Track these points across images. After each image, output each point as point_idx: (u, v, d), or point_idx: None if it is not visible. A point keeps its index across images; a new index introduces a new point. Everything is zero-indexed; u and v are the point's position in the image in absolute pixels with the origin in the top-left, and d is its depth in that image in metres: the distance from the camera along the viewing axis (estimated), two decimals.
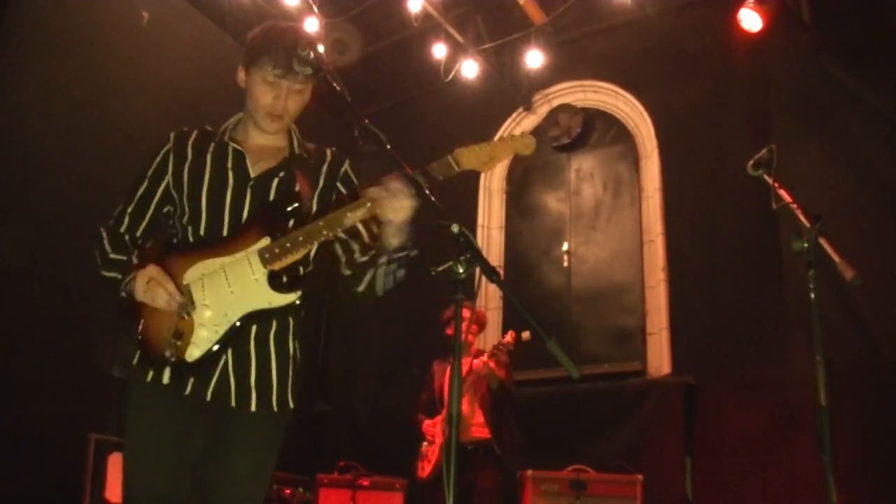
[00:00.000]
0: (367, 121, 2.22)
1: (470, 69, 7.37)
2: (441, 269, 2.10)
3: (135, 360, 2.37)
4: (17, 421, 4.95)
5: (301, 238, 2.36)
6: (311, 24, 7.00)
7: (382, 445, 7.05)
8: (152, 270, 2.34)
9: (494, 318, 7.33)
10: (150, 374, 2.35)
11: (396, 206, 2.29)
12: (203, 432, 2.39)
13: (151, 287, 2.32)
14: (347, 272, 2.55)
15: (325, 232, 2.35)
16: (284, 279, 2.39)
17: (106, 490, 5.01)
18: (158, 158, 2.55)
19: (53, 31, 5.74)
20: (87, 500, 4.96)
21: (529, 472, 5.36)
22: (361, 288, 2.53)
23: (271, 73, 2.44)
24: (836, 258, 2.59)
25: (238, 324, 2.36)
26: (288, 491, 6.14)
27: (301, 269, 2.47)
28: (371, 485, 5.98)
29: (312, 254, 2.51)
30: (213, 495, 2.35)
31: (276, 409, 2.43)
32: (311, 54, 2.29)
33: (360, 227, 2.48)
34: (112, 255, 2.48)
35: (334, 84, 2.28)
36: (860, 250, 5.14)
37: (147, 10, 6.36)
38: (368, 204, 2.32)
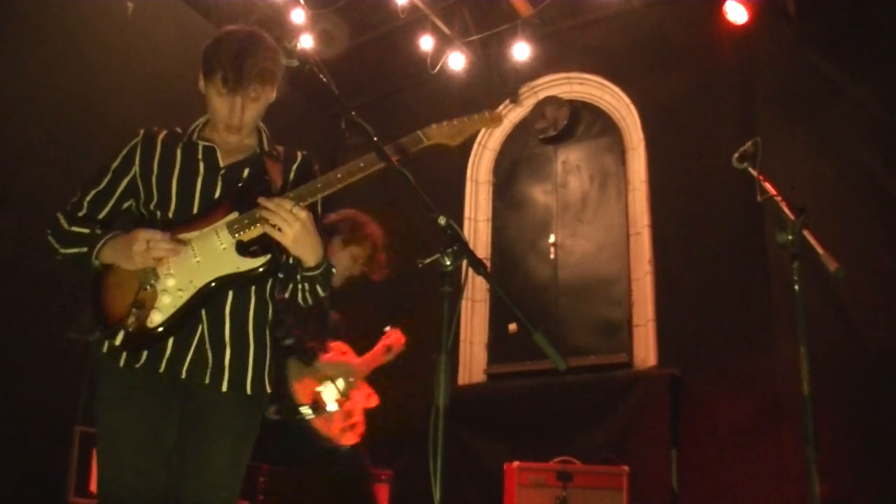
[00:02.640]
0: (353, 113, 2.23)
1: (457, 61, 7.36)
2: (428, 261, 2.10)
3: (95, 335, 2.36)
4: (1, 414, 4.92)
5: None
6: (298, 16, 6.96)
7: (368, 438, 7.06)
8: (144, 231, 2.32)
9: (481, 310, 7.35)
10: (123, 357, 2.34)
11: (282, 229, 2.29)
12: (176, 421, 2.39)
13: (152, 244, 2.29)
14: (280, 274, 2.60)
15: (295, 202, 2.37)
16: (254, 247, 2.39)
17: (91, 483, 4.99)
18: (125, 152, 2.56)
19: (37, 22, 5.69)
20: (73, 492, 4.94)
21: (516, 464, 5.37)
22: (287, 294, 2.58)
23: (221, 88, 2.44)
24: (820, 250, 2.61)
25: (211, 286, 2.35)
26: None
27: (271, 240, 2.46)
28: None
29: None
30: (188, 485, 2.35)
31: (249, 391, 2.44)
32: (298, 46, 2.29)
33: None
34: (72, 229, 2.47)
35: (321, 76, 2.29)
36: (844, 242, 5.17)
37: (132, 1, 6.31)
38: (362, 164, 2.35)
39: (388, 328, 4.59)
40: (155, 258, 2.31)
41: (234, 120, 2.48)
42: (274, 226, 2.29)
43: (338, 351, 4.26)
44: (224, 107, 2.47)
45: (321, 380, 4.07)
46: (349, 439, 4.09)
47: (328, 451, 4.02)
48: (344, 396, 4.10)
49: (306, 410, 3.92)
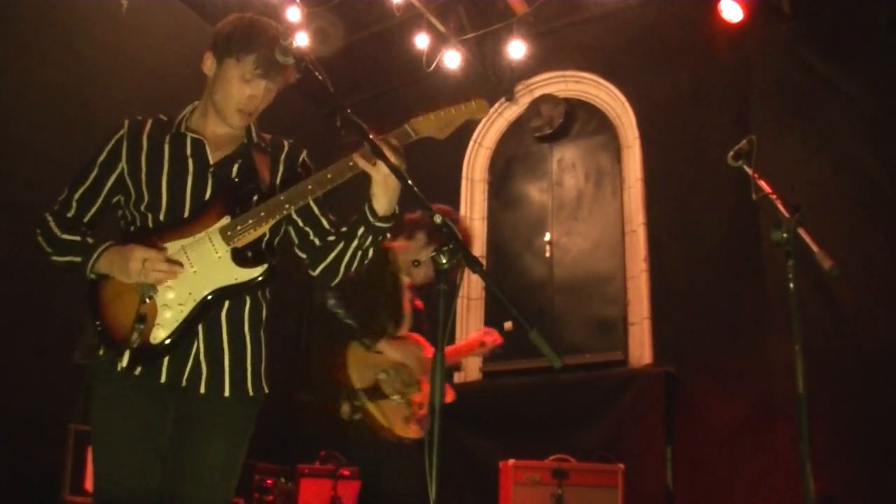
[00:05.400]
0: (349, 111, 2.22)
1: (452, 59, 7.36)
2: (424, 259, 2.10)
3: (101, 351, 2.35)
4: None
5: (263, 213, 2.36)
6: (293, 14, 6.96)
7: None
8: (141, 250, 2.30)
9: (477, 308, 7.35)
10: (119, 364, 2.31)
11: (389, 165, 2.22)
12: (171, 421, 2.38)
13: (149, 265, 2.28)
14: (302, 254, 2.60)
15: (286, 206, 2.36)
16: (249, 254, 2.38)
17: (86, 481, 4.99)
18: (111, 145, 2.53)
19: (31, 20, 5.68)
20: (68, 490, 4.94)
21: (511, 462, 5.37)
22: (316, 271, 2.57)
23: (252, 72, 2.43)
24: (815, 248, 2.61)
25: (209, 298, 2.34)
26: (269, 481, 6.13)
27: (265, 244, 2.48)
28: (352, 475, 5.98)
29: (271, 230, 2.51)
30: (184, 485, 2.34)
31: (251, 393, 2.43)
32: (294, 44, 2.28)
33: (317, 210, 2.55)
34: (63, 236, 2.44)
35: (317, 74, 2.27)
36: (839, 240, 5.19)
37: None
38: (351, 163, 2.32)
39: (484, 327, 4.39)
40: (154, 279, 2.30)
41: (252, 106, 2.49)
42: (371, 159, 2.24)
43: (412, 340, 3.95)
44: (244, 91, 2.46)
45: (384, 366, 3.77)
46: (412, 432, 3.72)
47: (388, 444, 3.70)
48: (408, 386, 3.78)
49: (362, 397, 3.62)
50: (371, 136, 2.20)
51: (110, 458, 2.32)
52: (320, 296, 3.77)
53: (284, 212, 2.37)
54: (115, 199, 2.54)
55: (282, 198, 2.35)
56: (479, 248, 7.55)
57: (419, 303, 4.16)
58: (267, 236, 2.50)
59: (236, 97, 2.47)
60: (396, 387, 3.72)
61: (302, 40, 7.02)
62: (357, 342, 3.72)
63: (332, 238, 2.52)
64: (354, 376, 3.66)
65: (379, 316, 3.82)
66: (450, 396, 3.84)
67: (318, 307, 3.79)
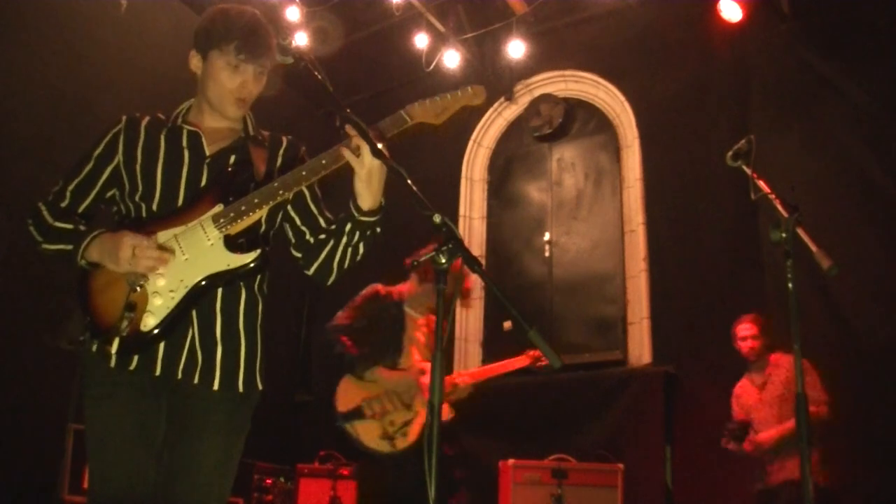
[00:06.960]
0: (348, 111, 2.21)
1: (451, 59, 7.36)
2: (423, 259, 2.10)
3: (93, 343, 2.32)
4: None
5: (256, 200, 2.34)
6: (293, 13, 6.96)
7: None
8: (131, 237, 2.27)
9: (476, 307, 7.35)
10: (109, 352, 2.28)
11: (370, 155, 2.24)
12: (165, 418, 2.34)
13: (139, 253, 2.25)
14: (298, 254, 2.58)
15: (280, 191, 2.34)
16: (242, 241, 2.36)
17: (85, 480, 4.99)
18: (107, 139, 2.50)
19: (30, 20, 5.68)
20: (66, 490, 4.94)
21: (511, 461, 5.38)
22: (311, 271, 2.54)
23: (236, 58, 2.41)
24: (814, 248, 2.61)
25: (202, 284, 2.31)
26: (269, 481, 6.13)
27: (259, 232, 2.45)
28: (351, 474, 5.98)
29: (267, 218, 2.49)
30: (179, 483, 2.30)
31: (241, 389, 2.39)
32: (293, 43, 2.26)
33: (314, 207, 2.54)
34: (55, 224, 2.42)
35: (316, 74, 2.27)
36: (837, 240, 5.20)
37: None
38: (340, 152, 2.31)
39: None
40: (144, 267, 2.26)
41: (245, 92, 2.46)
42: (356, 150, 2.25)
43: (414, 370, 4.53)
44: (234, 79, 2.44)
45: (374, 393, 4.47)
46: (382, 447, 4.39)
47: (368, 455, 4.45)
48: (389, 410, 4.44)
49: (339, 419, 4.41)
50: (371, 136, 2.20)
51: (105, 456, 2.29)
52: (329, 342, 4.55)
53: (279, 198, 2.35)
54: (109, 194, 2.51)
55: (276, 184, 2.33)
56: (478, 248, 7.56)
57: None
58: (263, 227, 2.48)
59: (228, 86, 2.45)
60: (375, 410, 4.43)
61: (301, 40, 7.02)
62: (349, 375, 4.50)
63: (323, 236, 2.51)
64: (338, 403, 4.44)
65: (375, 351, 4.50)
66: (445, 415, 4.54)
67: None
